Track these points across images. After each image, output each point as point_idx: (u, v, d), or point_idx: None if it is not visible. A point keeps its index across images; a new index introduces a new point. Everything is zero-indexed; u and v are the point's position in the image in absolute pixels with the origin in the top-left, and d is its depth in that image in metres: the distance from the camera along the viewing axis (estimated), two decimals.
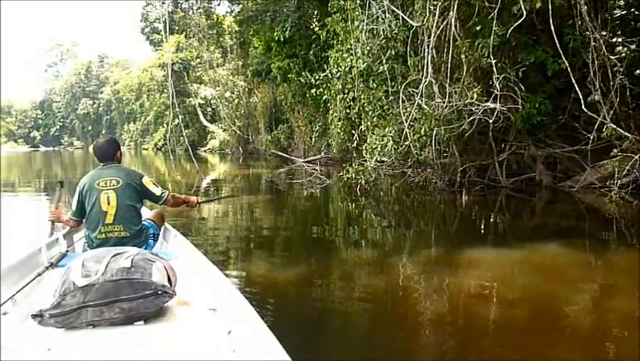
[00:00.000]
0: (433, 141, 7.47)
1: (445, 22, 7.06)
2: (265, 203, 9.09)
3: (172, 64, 32.89)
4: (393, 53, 7.84)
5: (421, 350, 2.63)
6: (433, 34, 6.89)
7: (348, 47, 9.18)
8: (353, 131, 9.69)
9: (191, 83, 34.64)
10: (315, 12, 15.72)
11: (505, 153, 8.43)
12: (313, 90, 11.87)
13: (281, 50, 15.96)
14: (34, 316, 1.75)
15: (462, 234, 5.81)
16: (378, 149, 7.66)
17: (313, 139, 17.25)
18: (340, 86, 9.71)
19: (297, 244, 5.66)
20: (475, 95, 6.81)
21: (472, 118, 6.94)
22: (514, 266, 4.21)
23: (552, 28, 5.78)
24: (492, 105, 6.59)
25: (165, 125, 32.60)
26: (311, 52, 14.71)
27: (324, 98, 11.79)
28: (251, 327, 1.69)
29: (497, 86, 6.46)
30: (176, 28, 32.28)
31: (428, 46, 6.94)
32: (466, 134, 7.56)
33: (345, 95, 9.60)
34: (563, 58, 6.07)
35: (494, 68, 6.51)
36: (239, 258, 4.96)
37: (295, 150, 20.60)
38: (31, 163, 30.31)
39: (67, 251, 2.83)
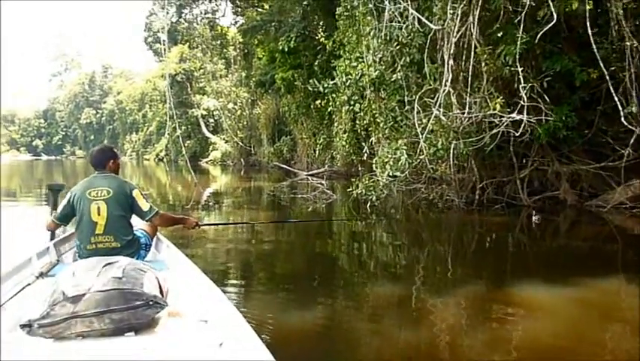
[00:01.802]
0: (451, 155, 6.88)
1: (464, 28, 6.55)
2: (267, 219, 8.49)
3: (175, 74, 32.67)
4: (407, 60, 7.28)
5: None
6: (453, 39, 6.36)
7: (357, 55, 8.66)
8: (363, 144, 9.09)
9: (194, 94, 34.31)
10: (321, 22, 15.33)
11: (527, 169, 7.83)
12: (318, 101, 11.35)
13: (285, 61, 15.57)
14: (22, 326, 1.71)
15: (495, 262, 5.10)
16: (391, 163, 7.06)
17: (317, 152, 16.75)
18: (346, 97, 9.15)
19: (300, 266, 5.08)
20: (498, 106, 6.27)
21: (494, 131, 6.36)
22: (576, 309, 3.41)
23: (589, 31, 5.23)
24: (517, 117, 6.02)
25: (168, 136, 32.27)
26: (316, 62, 14.25)
27: (329, 109, 11.26)
28: (243, 339, 1.67)
29: (524, 95, 5.89)
30: (180, 38, 32.05)
31: (447, 50, 6.40)
32: (487, 149, 6.98)
33: (352, 107, 9.03)
34: (602, 64, 5.49)
35: (520, 77, 5.96)
36: (237, 277, 4.51)
37: (298, 162, 20.15)
38: (33, 172, 30.03)
39: (58, 261, 2.83)
